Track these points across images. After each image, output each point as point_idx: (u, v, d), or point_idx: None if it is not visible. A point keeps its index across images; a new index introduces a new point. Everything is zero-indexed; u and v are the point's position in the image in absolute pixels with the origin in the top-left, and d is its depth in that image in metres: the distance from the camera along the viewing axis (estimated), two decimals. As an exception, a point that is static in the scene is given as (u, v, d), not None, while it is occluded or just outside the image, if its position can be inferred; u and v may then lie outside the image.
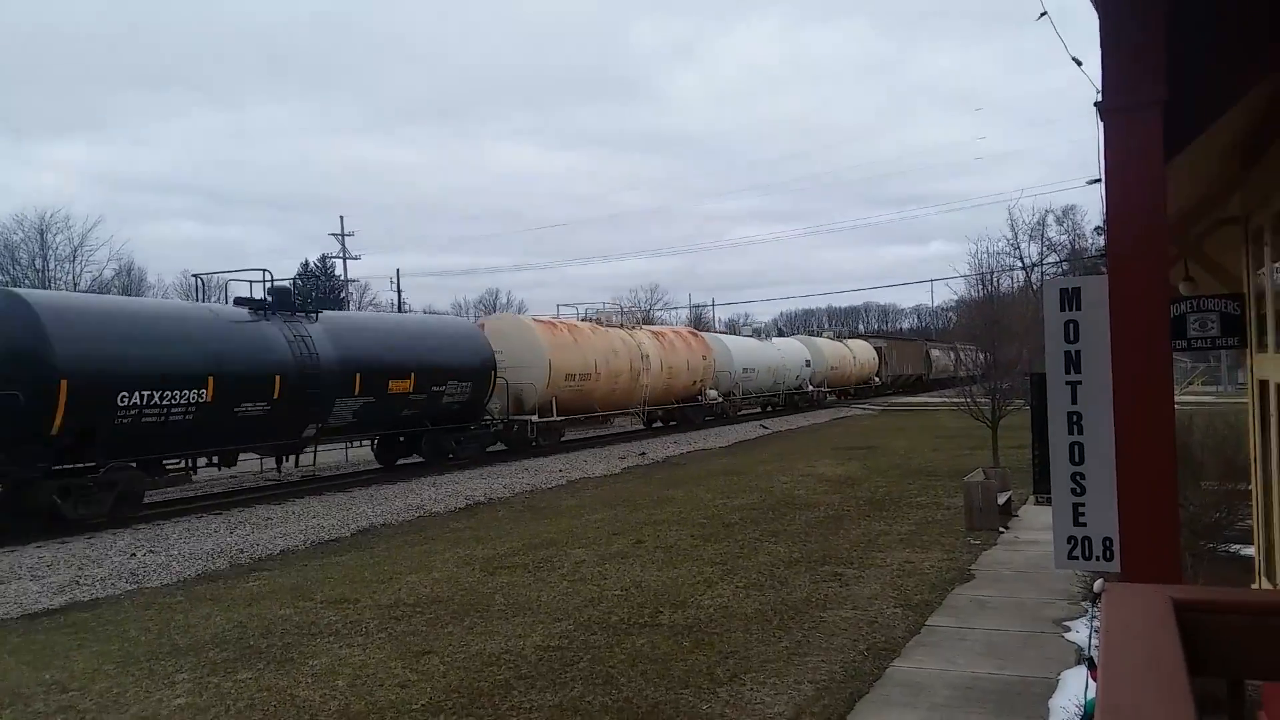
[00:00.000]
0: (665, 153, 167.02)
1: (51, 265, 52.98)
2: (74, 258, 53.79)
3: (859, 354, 54.88)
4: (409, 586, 10.59)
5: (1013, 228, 67.99)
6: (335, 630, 8.86)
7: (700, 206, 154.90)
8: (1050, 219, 64.54)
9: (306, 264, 67.13)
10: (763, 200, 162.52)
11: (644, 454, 26.28)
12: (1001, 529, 12.89)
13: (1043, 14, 4.85)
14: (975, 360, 24.27)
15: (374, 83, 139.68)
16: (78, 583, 11.34)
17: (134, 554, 12.97)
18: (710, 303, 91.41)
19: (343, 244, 57.63)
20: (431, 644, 8.24)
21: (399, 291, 62.89)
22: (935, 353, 71.05)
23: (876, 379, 56.85)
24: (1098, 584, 2.04)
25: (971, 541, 12.17)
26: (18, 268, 51.67)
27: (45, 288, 44.94)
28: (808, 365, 45.90)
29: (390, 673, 7.48)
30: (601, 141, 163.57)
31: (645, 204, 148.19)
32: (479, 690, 6.98)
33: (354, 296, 62.99)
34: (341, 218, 58.24)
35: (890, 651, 7.65)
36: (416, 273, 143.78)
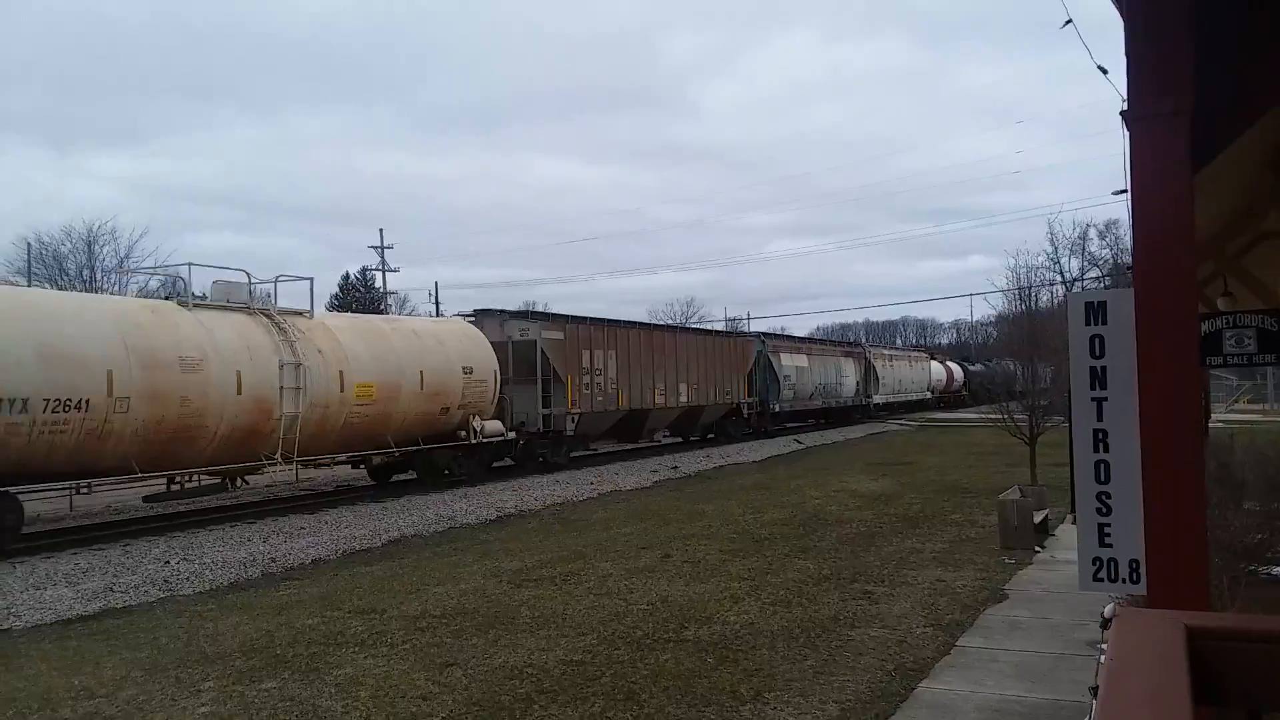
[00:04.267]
0: (701, 165, 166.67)
1: (99, 276, 54.14)
2: (120, 268, 54.90)
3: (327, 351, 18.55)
4: (436, 598, 10.60)
5: (1052, 242, 66.90)
6: (361, 640, 8.88)
7: (736, 219, 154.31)
8: (1093, 233, 63.61)
9: (348, 276, 68.20)
10: (799, 213, 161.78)
11: (676, 467, 26.22)
12: (1038, 548, 12.64)
13: (1068, 21, 4.76)
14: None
15: (412, 95, 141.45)
16: (112, 589, 11.49)
17: (168, 561, 13.12)
18: (746, 316, 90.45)
19: (382, 256, 58.28)
20: (455, 656, 8.23)
21: (437, 304, 63.37)
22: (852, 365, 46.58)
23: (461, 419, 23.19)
24: (1108, 609, 1.96)
25: (1006, 560, 11.94)
26: (66, 278, 52.82)
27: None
28: None
29: (413, 684, 7.47)
30: (637, 154, 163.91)
31: (682, 217, 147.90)
32: (499, 704, 6.94)
33: (393, 308, 63.60)
34: (381, 230, 58.94)
35: (919, 672, 7.50)
36: (455, 285, 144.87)
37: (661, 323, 34.09)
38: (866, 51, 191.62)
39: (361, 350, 19.39)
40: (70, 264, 53.76)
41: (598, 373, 26.94)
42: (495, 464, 24.11)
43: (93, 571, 12.50)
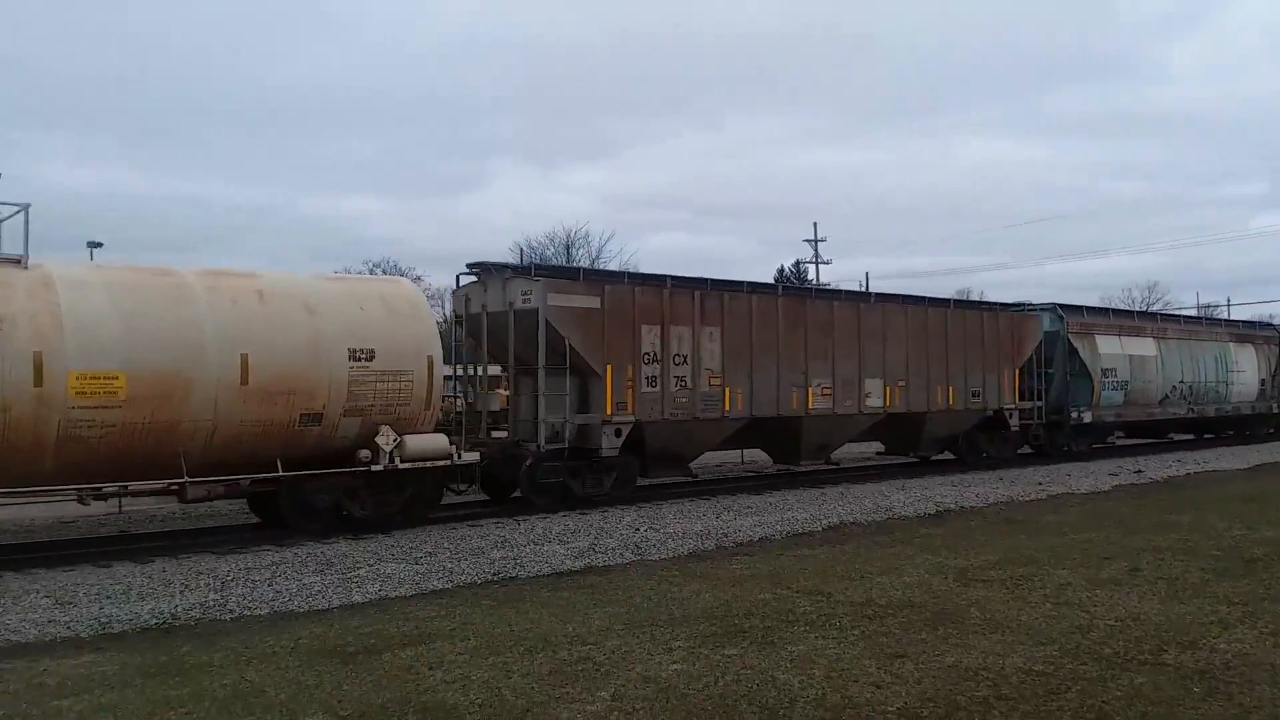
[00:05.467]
0: (1162, 135, 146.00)
1: (572, 276, 62.13)
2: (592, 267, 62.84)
3: None
4: (879, 587, 10.67)
5: None
6: (810, 620, 9.23)
7: (1210, 192, 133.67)
8: None
9: (782, 269, 70.55)
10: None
11: (1140, 471, 23.75)
12: None
13: None
14: None
15: (845, 88, 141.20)
16: (594, 549, 13.14)
17: (638, 529, 14.73)
18: (1225, 301, 77.66)
19: (815, 249, 59.42)
20: (904, 648, 8.24)
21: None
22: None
23: None
24: None
25: None
26: (549, 279, 61.42)
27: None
28: None
29: (864, 670, 7.62)
30: (1086, 127, 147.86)
31: (1140, 193, 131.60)
32: (955, 704, 6.84)
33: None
34: (815, 224, 60.06)
35: None
36: (886, 274, 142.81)
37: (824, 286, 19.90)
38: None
39: (105, 319, 12.22)
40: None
41: (678, 360, 17.83)
42: (512, 496, 16.96)
43: (579, 533, 14.43)
